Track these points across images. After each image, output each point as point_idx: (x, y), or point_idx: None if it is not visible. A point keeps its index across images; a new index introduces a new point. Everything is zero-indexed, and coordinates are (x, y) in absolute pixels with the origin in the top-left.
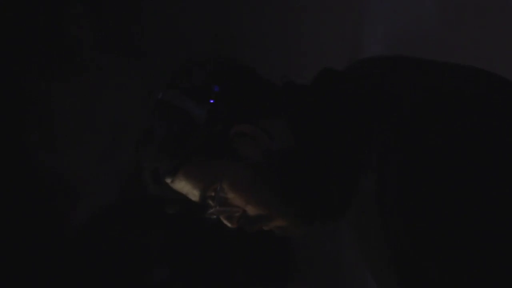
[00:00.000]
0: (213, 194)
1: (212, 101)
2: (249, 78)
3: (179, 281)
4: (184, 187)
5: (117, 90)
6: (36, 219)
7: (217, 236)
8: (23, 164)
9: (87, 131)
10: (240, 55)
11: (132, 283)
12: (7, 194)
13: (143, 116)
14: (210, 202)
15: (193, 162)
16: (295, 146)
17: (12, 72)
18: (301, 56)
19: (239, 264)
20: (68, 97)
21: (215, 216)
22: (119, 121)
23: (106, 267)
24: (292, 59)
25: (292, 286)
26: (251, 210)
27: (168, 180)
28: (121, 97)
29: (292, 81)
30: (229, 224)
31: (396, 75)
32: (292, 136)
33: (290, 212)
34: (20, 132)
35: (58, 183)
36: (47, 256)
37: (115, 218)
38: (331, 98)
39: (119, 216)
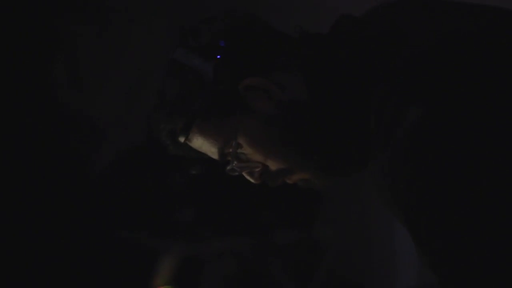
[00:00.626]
0: (231, 150)
1: (219, 57)
2: (258, 30)
3: (205, 222)
4: (202, 145)
5: (144, 34)
6: (62, 159)
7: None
8: (50, 104)
9: (114, 73)
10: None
11: (158, 224)
12: (35, 134)
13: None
14: (230, 158)
15: (207, 120)
16: (309, 97)
17: (41, 13)
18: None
19: (265, 205)
20: (96, 39)
21: (236, 173)
22: (145, 64)
23: (130, 207)
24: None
25: (318, 227)
26: (271, 165)
27: (183, 139)
28: (148, 41)
29: (306, 31)
30: (252, 180)
31: (414, 19)
32: (306, 87)
33: (309, 164)
34: (48, 72)
35: (84, 124)
36: (71, 197)
37: (139, 159)
38: (348, 46)
39: (144, 157)
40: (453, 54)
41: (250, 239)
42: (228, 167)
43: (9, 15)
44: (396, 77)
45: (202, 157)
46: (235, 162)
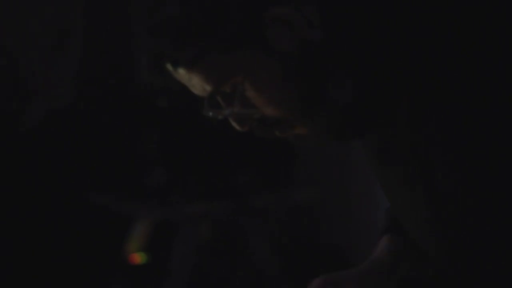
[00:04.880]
0: (227, 90)
1: None
2: None
3: (177, 185)
4: (194, 78)
5: None
6: None
7: (217, 135)
8: None
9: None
10: None
11: (127, 188)
12: None
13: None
14: (220, 99)
15: (217, 51)
16: (336, 39)
17: None
18: None
19: (241, 168)
20: None
21: (222, 117)
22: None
23: (98, 171)
24: None
25: (296, 189)
26: (271, 113)
27: (183, 71)
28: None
29: None
30: (238, 127)
31: None
32: (333, 27)
33: (316, 121)
34: None
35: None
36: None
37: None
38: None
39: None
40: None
41: (225, 203)
42: (225, 111)
43: None
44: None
45: (183, 90)
46: (237, 106)
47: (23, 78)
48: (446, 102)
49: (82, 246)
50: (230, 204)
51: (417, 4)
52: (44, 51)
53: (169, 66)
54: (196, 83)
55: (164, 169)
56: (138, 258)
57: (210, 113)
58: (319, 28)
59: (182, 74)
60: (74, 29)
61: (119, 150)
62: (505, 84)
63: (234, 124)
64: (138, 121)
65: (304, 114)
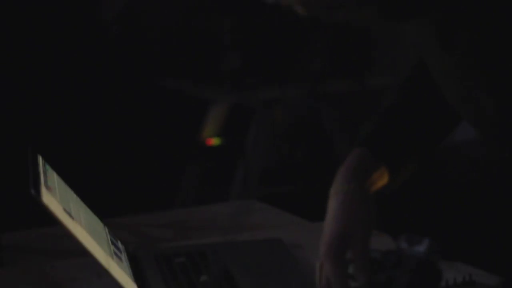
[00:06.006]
0: None
1: None
2: None
3: (253, 69)
4: None
5: None
6: None
7: (294, 20)
8: None
9: None
10: None
11: (204, 72)
12: None
13: None
14: None
15: None
16: None
17: None
18: None
19: (316, 53)
20: None
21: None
22: None
23: (174, 56)
24: None
25: (371, 76)
26: None
27: None
28: None
29: None
30: (302, 11)
31: None
32: None
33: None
34: None
35: None
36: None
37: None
38: None
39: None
40: None
41: (301, 88)
42: None
43: None
44: None
45: None
46: None
47: None
48: None
49: (160, 128)
50: (306, 89)
51: None
52: None
53: None
54: None
55: (239, 53)
56: (214, 141)
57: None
58: None
59: None
60: None
61: (196, 35)
62: None
63: (298, 9)
64: (213, 6)
65: None
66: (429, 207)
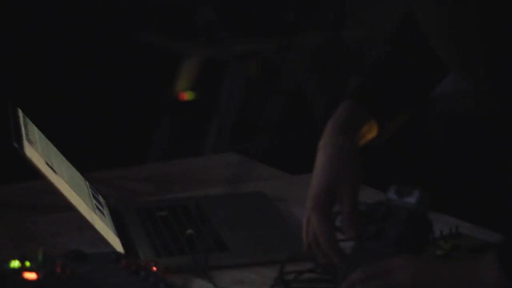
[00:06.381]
0: None
1: None
2: None
3: (226, 22)
4: None
5: None
6: None
7: None
8: None
9: None
10: None
11: (178, 26)
12: None
13: None
14: None
15: None
16: None
17: None
18: None
19: (290, 5)
20: None
21: None
22: None
23: (148, 10)
24: None
25: (346, 28)
26: None
27: None
28: None
29: None
30: None
31: None
32: None
33: None
34: None
35: None
36: None
37: None
38: None
39: None
40: None
41: (274, 41)
42: None
43: None
44: None
45: None
46: None
47: None
48: None
49: (133, 82)
50: (279, 42)
51: None
52: None
53: None
54: None
55: (213, 7)
56: (187, 95)
57: None
58: None
59: None
60: None
61: None
62: None
63: None
64: None
65: None
66: (415, 161)
